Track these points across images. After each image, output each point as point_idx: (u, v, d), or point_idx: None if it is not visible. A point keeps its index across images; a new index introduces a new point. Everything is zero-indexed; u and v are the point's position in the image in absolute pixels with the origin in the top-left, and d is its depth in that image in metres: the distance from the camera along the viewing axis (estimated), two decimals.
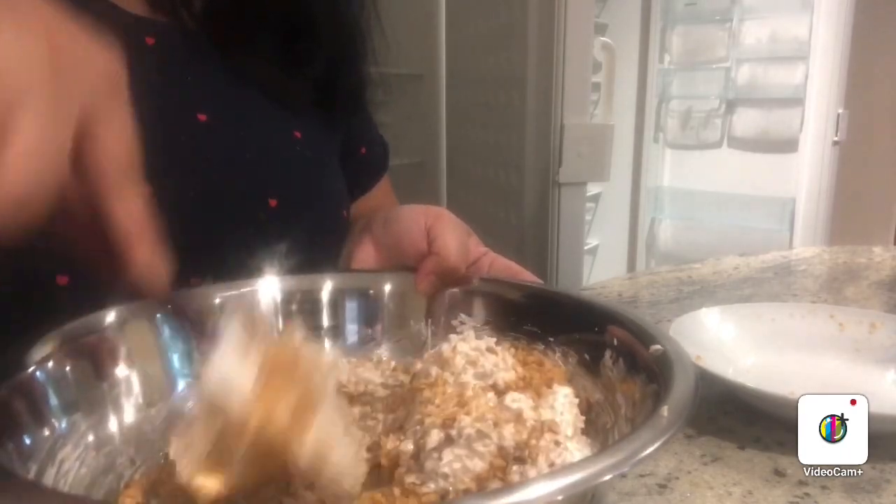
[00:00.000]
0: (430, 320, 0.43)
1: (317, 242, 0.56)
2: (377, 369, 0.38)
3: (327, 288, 0.44)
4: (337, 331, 0.43)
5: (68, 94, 0.23)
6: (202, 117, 0.51)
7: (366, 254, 0.50)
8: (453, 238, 0.44)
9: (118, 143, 0.25)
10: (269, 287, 0.42)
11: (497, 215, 1.84)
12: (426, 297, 0.43)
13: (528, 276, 0.46)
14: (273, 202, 0.53)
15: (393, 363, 0.39)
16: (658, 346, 0.31)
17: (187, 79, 0.52)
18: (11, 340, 0.31)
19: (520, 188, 1.72)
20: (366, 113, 0.67)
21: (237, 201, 0.52)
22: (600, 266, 2.60)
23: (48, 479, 0.28)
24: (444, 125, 2.21)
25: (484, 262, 0.47)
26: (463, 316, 0.43)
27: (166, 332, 0.37)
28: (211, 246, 0.48)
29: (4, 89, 0.20)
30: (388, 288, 0.44)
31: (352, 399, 0.37)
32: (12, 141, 0.20)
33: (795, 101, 2.27)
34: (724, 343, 0.60)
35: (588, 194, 1.96)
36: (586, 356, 0.36)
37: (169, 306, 0.36)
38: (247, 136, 0.54)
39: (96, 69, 0.24)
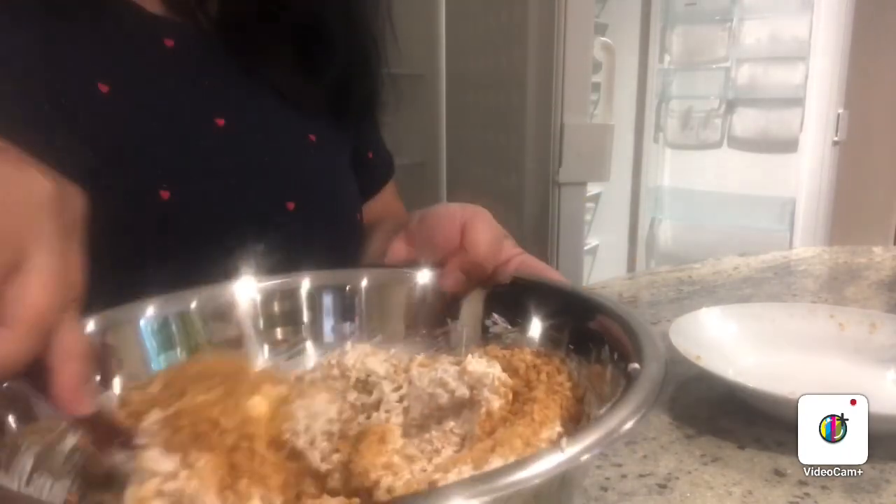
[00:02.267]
0: (452, 319, 0.43)
1: (333, 245, 0.56)
2: (386, 362, 0.38)
3: (357, 283, 0.44)
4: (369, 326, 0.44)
5: None
6: (220, 121, 0.51)
7: (398, 248, 0.50)
8: (485, 234, 0.43)
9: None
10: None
11: (497, 215, 1.82)
12: (453, 294, 0.42)
13: (554, 276, 0.45)
14: (291, 205, 0.54)
15: (402, 358, 0.38)
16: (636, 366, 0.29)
17: (205, 82, 0.52)
18: None
19: (520, 188, 1.72)
20: (375, 118, 0.68)
21: (255, 204, 0.52)
22: (600, 266, 2.60)
23: (38, 488, 0.28)
24: (444, 125, 2.21)
25: (514, 262, 0.47)
26: (496, 316, 0.42)
27: (149, 338, 0.37)
28: (230, 249, 0.48)
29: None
30: (422, 284, 0.44)
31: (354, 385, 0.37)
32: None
33: (795, 101, 2.27)
34: (724, 343, 0.60)
35: (588, 194, 1.96)
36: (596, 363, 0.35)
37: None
38: (264, 140, 0.54)
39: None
